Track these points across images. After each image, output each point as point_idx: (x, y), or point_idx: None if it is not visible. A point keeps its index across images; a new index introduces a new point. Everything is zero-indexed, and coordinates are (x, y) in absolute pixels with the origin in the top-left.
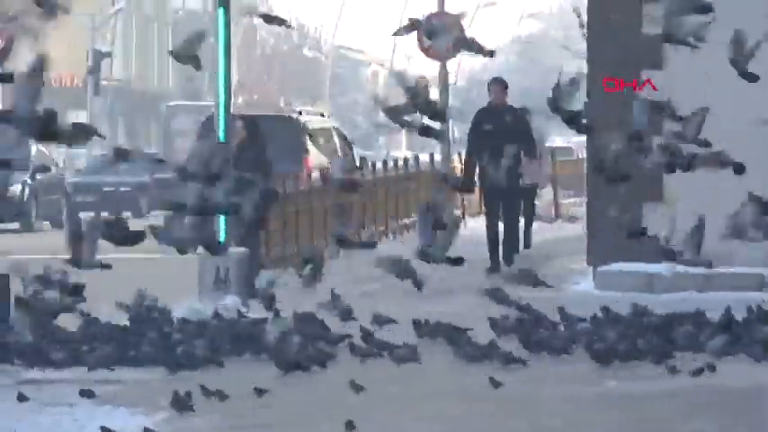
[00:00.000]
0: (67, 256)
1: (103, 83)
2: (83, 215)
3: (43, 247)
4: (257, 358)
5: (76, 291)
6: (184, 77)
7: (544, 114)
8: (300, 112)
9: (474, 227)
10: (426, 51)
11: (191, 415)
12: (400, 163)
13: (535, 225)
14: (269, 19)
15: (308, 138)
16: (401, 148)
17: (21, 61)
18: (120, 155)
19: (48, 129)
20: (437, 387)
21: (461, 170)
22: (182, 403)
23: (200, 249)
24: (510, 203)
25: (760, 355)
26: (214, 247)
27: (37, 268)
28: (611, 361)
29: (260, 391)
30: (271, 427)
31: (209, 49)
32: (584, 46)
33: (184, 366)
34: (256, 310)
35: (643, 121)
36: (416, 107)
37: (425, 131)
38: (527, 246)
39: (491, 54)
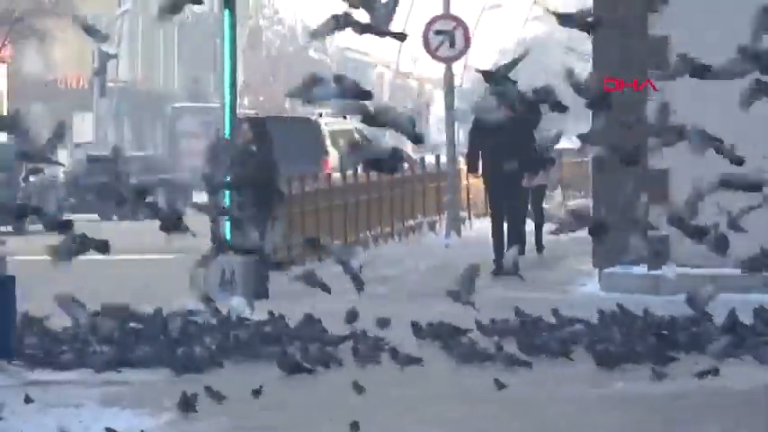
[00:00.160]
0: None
1: (109, 84)
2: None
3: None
4: (261, 360)
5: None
6: (190, 79)
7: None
8: (321, 114)
9: (479, 227)
10: (432, 53)
11: (196, 416)
12: (406, 165)
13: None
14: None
15: (327, 139)
16: (407, 149)
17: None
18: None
19: None
20: (440, 389)
21: (466, 162)
22: (188, 404)
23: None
24: (514, 205)
25: (765, 357)
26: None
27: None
28: (609, 363)
29: (257, 393)
30: (275, 429)
31: (215, 51)
32: (589, 48)
33: (189, 368)
34: (261, 312)
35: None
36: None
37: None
38: (539, 250)
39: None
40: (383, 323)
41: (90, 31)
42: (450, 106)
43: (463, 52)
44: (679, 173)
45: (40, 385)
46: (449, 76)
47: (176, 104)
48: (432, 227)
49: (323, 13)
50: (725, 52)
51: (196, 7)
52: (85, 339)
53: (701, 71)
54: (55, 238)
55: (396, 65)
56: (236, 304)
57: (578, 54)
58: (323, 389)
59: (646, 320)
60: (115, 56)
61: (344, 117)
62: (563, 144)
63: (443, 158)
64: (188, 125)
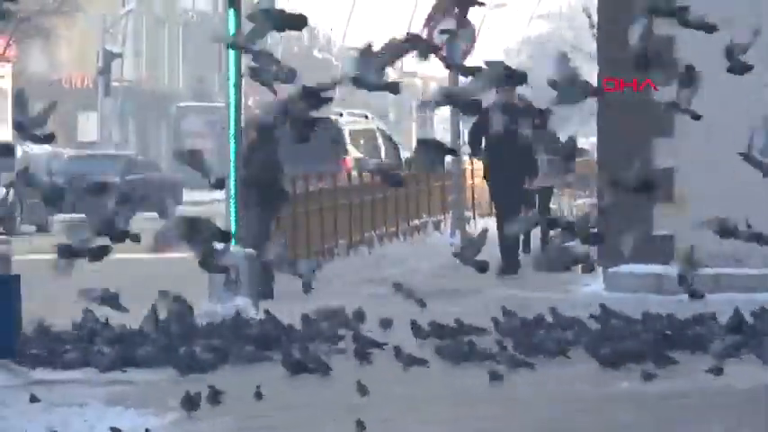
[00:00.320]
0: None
1: (114, 84)
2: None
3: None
4: (265, 359)
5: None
6: (195, 78)
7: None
8: (342, 114)
9: (484, 227)
10: (436, 53)
11: (200, 416)
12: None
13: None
14: None
15: (347, 138)
16: (412, 149)
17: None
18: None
19: None
20: (443, 389)
21: (469, 142)
22: (191, 404)
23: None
24: (516, 204)
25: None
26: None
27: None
28: (607, 363)
29: (260, 394)
30: (278, 429)
31: (220, 50)
32: (594, 46)
33: (194, 368)
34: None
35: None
36: None
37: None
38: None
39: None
40: (386, 324)
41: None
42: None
43: (468, 51)
44: (683, 172)
45: (44, 384)
46: (453, 76)
47: (181, 104)
48: (437, 226)
49: (326, 13)
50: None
51: (200, 7)
52: (89, 338)
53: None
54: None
55: (400, 64)
56: (241, 304)
57: (583, 53)
58: (327, 389)
59: (644, 321)
60: (119, 55)
61: (366, 117)
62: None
63: (448, 158)
64: (193, 125)
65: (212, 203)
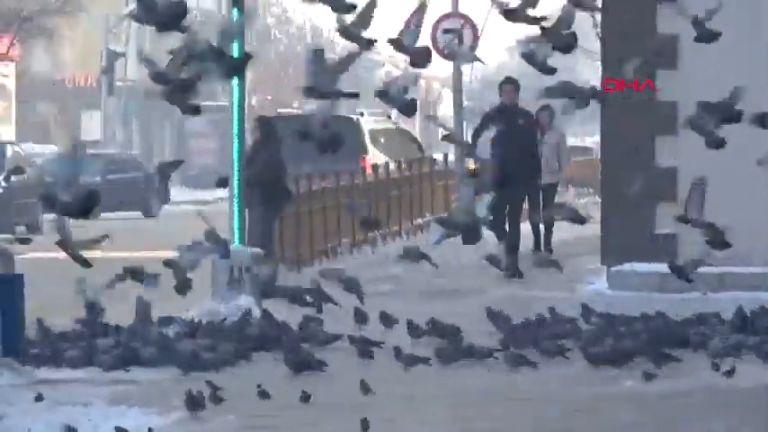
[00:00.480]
0: None
1: (117, 83)
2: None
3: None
4: (269, 358)
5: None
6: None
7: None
8: (362, 114)
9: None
10: (440, 52)
11: (203, 415)
12: (415, 162)
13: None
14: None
15: (367, 137)
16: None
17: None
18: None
19: None
20: (445, 389)
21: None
22: (194, 403)
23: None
24: (515, 202)
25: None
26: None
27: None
28: (599, 362)
29: (264, 393)
30: (282, 428)
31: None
32: (597, 46)
33: (197, 367)
34: (272, 309)
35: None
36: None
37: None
38: (548, 251)
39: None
40: (388, 322)
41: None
42: (458, 105)
43: (473, 49)
44: (687, 171)
45: (48, 384)
46: (457, 75)
47: None
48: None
49: (329, 13)
50: (733, 50)
51: (205, 6)
52: (92, 337)
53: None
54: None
55: (404, 63)
56: (245, 303)
57: (587, 52)
58: (330, 387)
59: (645, 321)
60: (123, 55)
61: (389, 117)
62: (571, 142)
63: (451, 157)
64: (196, 124)
65: (216, 202)
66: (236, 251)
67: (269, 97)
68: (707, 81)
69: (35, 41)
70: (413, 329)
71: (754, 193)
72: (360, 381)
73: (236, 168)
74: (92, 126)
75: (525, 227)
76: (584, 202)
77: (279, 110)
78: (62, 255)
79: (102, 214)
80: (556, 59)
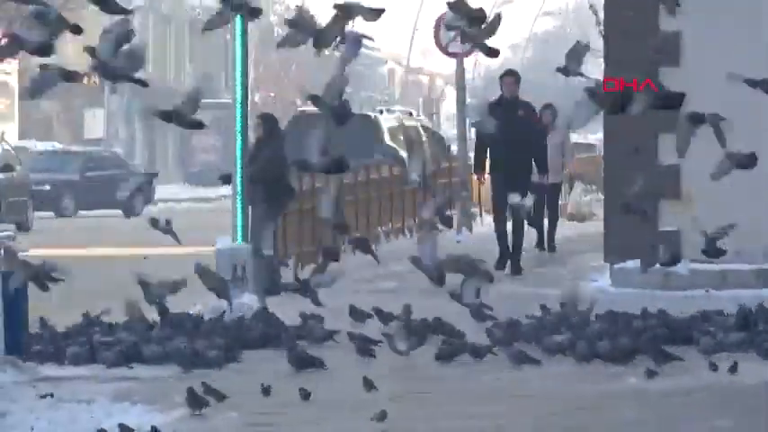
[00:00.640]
0: None
1: None
2: None
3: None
4: (270, 355)
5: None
6: (201, 75)
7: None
8: (382, 111)
9: (490, 223)
10: (443, 49)
11: (206, 413)
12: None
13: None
14: None
15: (386, 135)
16: None
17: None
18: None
19: None
20: (448, 386)
21: (473, 157)
22: (195, 401)
23: (219, 245)
24: (517, 203)
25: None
26: None
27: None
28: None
29: (267, 390)
30: (284, 425)
31: (226, 47)
32: (600, 43)
33: (199, 364)
34: (273, 307)
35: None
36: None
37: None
38: (551, 249)
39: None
40: (359, 317)
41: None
42: (461, 102)
43: (474, 48)
44: (689, 168)
45: (51, 381)
46: (460, 72)
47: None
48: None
49: (332, 11)
50: (735, 48)
51: (207, 3)
52: (96, 335)
53: None
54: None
55: (407, 60)
56: (248, 300)
57: (590, 50)
58: (332, 384)
59: (645, 319)
60: None
61: (411, 114)
62: (573, 139)
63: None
64: None
65: (219, 200)
66: (238, 249)
67: (272, 94)
68: (709, 78)
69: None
70: (383, 317)
71: (756, 191)
72: (363, 378)
73: (238, 165)
74: (95, 124)
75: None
76: (588, 199)
77: (302, 108)
78: (60, 252)
79: (80, 212)
80: (563, 56)
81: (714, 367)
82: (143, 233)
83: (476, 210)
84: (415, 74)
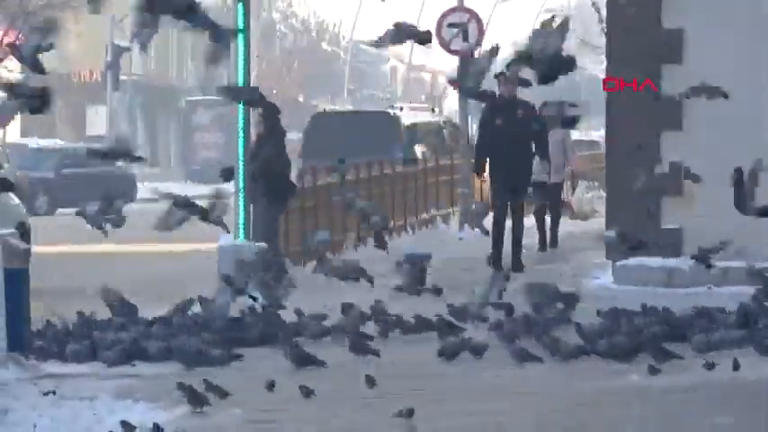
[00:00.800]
0: None
1: (123, 78)
2: None
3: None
4: (272, 353)
5: None
6: (203, 72)
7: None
8: (401, 108)
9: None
10: (445, 46)
11: (208, 409)
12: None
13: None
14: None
15: (404, 131)
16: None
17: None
18: None
19: None
20: (451, 384)
21: (474, 157)
22: (197, 399)
23: (221, 242)
24: (518, 199)
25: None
26: None
27: None
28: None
29: (271, 386)
30: (286, 422)
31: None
32: (603, 41)
33: (201, 362)
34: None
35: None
36: None
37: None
38: (554, 245)
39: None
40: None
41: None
42: (463, 99)
43: (477, 45)
44: (691, 166)
45: (53, 378)
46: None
47: (190, 98)
48: (445, 220)
49: (334, 6)
50: (737, 46)
51: (209, 1)
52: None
53: None
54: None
55: (409, 58)
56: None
57: (592, 47)
58: (333, 382)
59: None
60: (128, 49)
61: (433, 111)
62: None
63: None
64: (201, 118)
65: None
66: (241, 246)
67: (274, 91)
68: (712, 75)
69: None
70: (345, 310)
71: (758, 189)
72: (365, 376)
73: (240, 163)
74: (97, 121)
75: (529, 221)
76: (591, 196)
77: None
78: (56, 249)
79: (59, 210)
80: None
81: (709, 366)
82: (123, 232)
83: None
84: (418, 71)
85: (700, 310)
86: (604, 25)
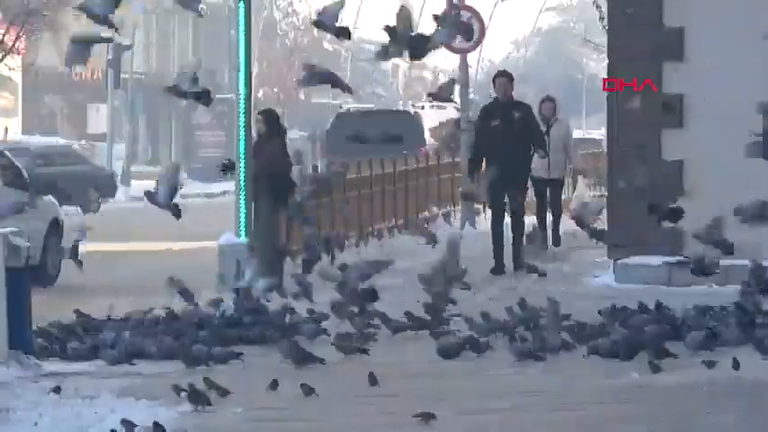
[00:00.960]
0: None
1: (124, 76)
2: None
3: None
4: (272, 351)
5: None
6: (205, 71)
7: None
8: (423, 107)
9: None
10: (447, 45)
11: (210, 408)
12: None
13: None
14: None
15: (425, 129)
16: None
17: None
18: None
19: None
20: (453, 383)
21: (469, 161)
22: (198, 397)
23: (222, 240)
24: (517, 200)
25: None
26: None
27: None
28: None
29: (275, 384)
30: (288, 420)
31: (230, 43)
32: (604, 38)
33: (201, 360)
34: (276, 303)
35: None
36: None
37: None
38: (556, 244)
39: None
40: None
41: (93, 16)
42: (465, 98)
43: (478, 43)
44: (692, 164)
45: (55, 377)
46: (464, 68)
47: None
48: (446, 218)
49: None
50: (737, 44)
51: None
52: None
53: None
54: None
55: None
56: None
57: (594, 45)
58: (333, 380)
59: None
60: (129, 47)
61: (457, 110)
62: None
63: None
64: (203, 117)
65: (222, 195)
66: (241, 244)
67: (275, 89)
68: (713, 73)
69: (41, 34)
70: (336, 308)
71: (759, 187)
72: (369, 374)
73: (242, 161)
74: (98, 119)
75: (530, 220)
76: (592, 194)
77: (348, 106)
78: None
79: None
80: (566, 51)
81: (710, 364)
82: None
83: (479, 205)
84: (419, 69)
85: (698, 309)
86: (606, 23)
